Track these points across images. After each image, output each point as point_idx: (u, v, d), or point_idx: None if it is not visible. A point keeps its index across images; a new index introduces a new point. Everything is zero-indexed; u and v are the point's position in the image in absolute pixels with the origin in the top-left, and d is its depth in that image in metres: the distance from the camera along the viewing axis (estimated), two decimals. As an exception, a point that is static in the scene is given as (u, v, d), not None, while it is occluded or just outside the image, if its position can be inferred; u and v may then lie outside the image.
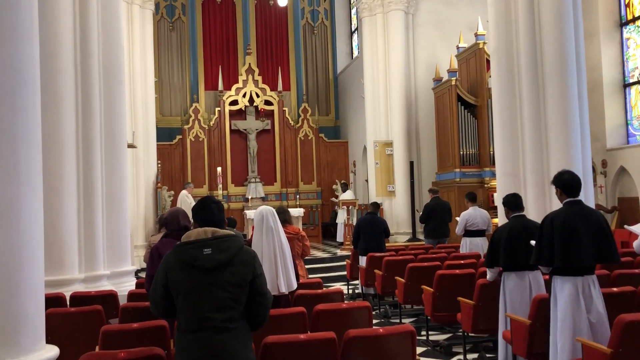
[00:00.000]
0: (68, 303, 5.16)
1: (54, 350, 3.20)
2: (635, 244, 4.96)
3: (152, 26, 13.71)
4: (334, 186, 16.96)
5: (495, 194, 10.26)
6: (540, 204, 7.44)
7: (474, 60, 12.63)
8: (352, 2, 18.63)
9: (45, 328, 3.23)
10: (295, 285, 4.75)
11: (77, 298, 5.19)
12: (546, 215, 4.38)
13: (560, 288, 4.20)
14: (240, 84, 17.04)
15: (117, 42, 6.70)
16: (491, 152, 11.71)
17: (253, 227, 4.84)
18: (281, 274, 4.57)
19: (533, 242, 4.66)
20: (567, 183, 4.34)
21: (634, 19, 10.98)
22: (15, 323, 2.94)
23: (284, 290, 4.55)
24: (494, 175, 10.66)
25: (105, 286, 6.11)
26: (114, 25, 6.67)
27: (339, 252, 12.96)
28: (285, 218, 6.02)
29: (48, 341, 3.26)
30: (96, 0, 6.39)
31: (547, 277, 4.56)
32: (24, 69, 3.11)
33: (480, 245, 8.39)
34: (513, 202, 5.29)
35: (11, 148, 3.01)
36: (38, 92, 3.26)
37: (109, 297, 5.29)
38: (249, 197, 16.40)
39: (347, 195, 14.84)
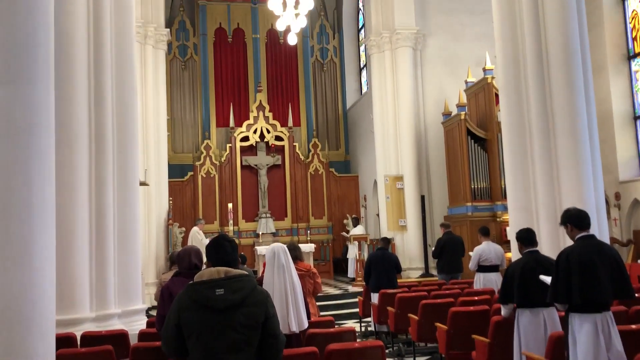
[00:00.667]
0: (79, 343, 5.13)
1: (64, 393, 3.17)
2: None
3: (164, 66, 13.99)
4: (345, 221, 16.91)
5: (508, 228, 10.17)
6: (554, 239, 7.36)
7: (482, 94, 12.70)
8: (360, 40, 18.92)
9: (56, 370, 3.21)
10: (306, 324, 4.69)
11: (88, 338, 5.16)
12: (561, 251, 4.32)
13: (579, 326, 4.11)
14: (251, 121, 17.23)
15: (131, 82, 6.83)
16: (503, 186, 11.66)
17: (264, 264, 4.82)
18: (292, 312, 4.52)
19: (543, 277, 4.59)
20: (574, 217, 4.31)
21: (642, 52, 11.04)
22: (26, 365, 2.93)
23: (294, 329, 4.49)
24: (506, 209, 10.58)
25: (116, 325, 6.08)
26: (128, 66, 6.81)
27: (351, 289, 12.83)
28: (296, 254, 5.99)
29: (58, 383, 3.24)
30: (110, 41, 6.55)
31: (562, 313, 4.47)
32: (40, 112, 3.17)
33: (494, 281, 8.27)
34: (526, 238, 5.23)
35: (26, 188, 3.05)
36: (52, 133, 3.31)
37: (120, 337, 5.25)
38: (260, 233, 16.38)
39: (358, 230, 14.77)
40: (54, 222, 3.27)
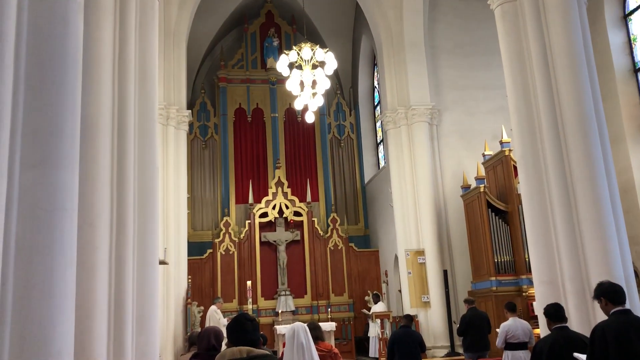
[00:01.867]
0: None
1: None
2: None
3: (186, 145, 14.36)
4: (366, 297, 16.56)
5: (534, 303, 9.86)
6: (583, 313, 7.10)
7: (500, 167, 12.72)
8: (376, 116, 19.31)
9: None
10: (328, 408, 4.51)
11: None
12: (596, 326, 4.17)
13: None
14: (270, 197, 17.36)
15: (153, 163, 6.97)
16: (527, 259, 11.42)
17: (284, 344, 4.70)
18: (313, 395, 4.36)
19: (577, 355, 4.40)
20: (608, 290, 4.19)
21: (659, 122, 11.06)
22: None
23: (315, 413, 4.32)
24: (531, 283, 10.30)
25: (133, 411, 5.89)
26: (150, 147, 6.98)
27: (374, 369, 12.38)
28: (317, 334, 5.84)
29: None
30: (133, 124, 6.75)
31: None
32: (64, 195, 3.24)
33: (523, 359, 7.93)
34: (554, 313, 5.06)
35: (48, 271, 3.06)
36: (75, 217, 3.36)
37: (136, 423, 5.07)
38: (279, 311, 16.07)
39: (380, 307, 14.43)
40: (73, 306, 3.25)
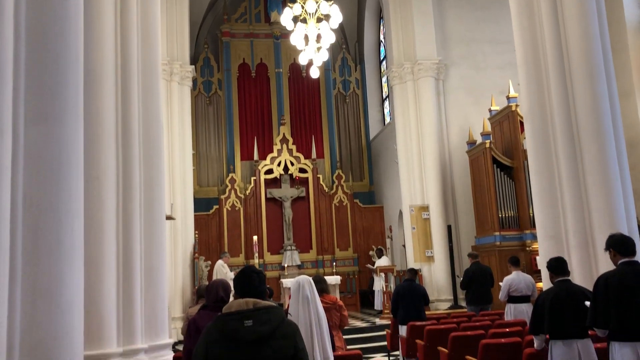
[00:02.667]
0: (106, 379, 5.12)
1: None
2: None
3: (190, 101, 14.26)
4: (371, 252, 16.76)
5: (538, 257, 9.96)
6: (586, 267, 7.17)
7: (507, 122, 12.63)
8: (382, 71, 19.08)
9: (83, 406, 3.20)
10: (332, 357, 4.61)
11: (115, 373, 5.15)
12: (600, 275, 4.25)
13: (620, 355, 3.98)
14: (275, 153, 17.37)
15: (157, 118, 6.96)
16: (531, 214, 11.46)
17: (289, 297, 4.78)
18: (317, 346, 4.46)
19: (588, 303, 4.48)
20: (618, 241, 4.25)
21: (669, 76, 10.88)
22: (54, 401, 2.93)
23: (318, 361, 4.43)
24: (535, 238, 10.38)
25: (143, 360, 6.06)
26: (154, 103, 6.95)
27: (378, 321, 12.63)
28: (322, 287, 5.94)
29: (85, 420, 3.22)
30: (137, 79, 6.70)
31: (604, 345, 4.34)
32: (69, 150, 3.25)
33: (525, 312, 8.06)
34: (557, 267, 5.11)
35: (55, 226, 3.10)
36: (81, 172, 3.38)
37: (147, 372, 5.23)
38: (285, 265, 16.32)
39: (383, 262, 14.61)
40: (82, 259, 3.30)
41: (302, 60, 10.49)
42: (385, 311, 12.65)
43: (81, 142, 3.40)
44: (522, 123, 11.33)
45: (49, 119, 3.21)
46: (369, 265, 16.04)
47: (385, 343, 9.96)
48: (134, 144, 6.54)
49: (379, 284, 14.39)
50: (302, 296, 4.58)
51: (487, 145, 12.41)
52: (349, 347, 7.84)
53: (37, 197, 3.08)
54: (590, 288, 4.47)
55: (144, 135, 6.75)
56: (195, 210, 14.50)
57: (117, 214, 6.23)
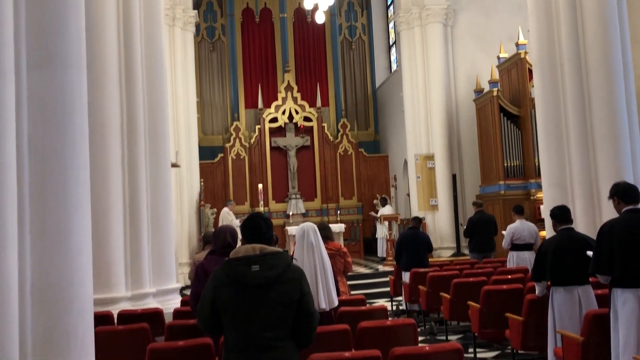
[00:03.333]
0: (116, 321, 5.26)
1: (103, 369, 3.26)
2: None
3: (193, 47, 14.04)
4: (375, 201, 16.85)
5: (542, 207, 10.00)
6: (589, 216, 7.20)
7: (515, 70, 12.42)
8: (389, 17, 18.65)
9: (94, 346, 3.30)
10: (336, 302, 4.71)
11: (125, 316, 5.29)
12: (605, 222, 4.27)
13: (622, 301, 4.04)
14: (279, 102, 17.23)
15: (160, 64, 6.88)
16: (536, 164, 11.43)
17: (294, 244, 4.84)
18: (322, 291, 4.54)
19: (590, 253, 4.52)
20: (622, 189, 4.24)
21: (684, 22, 10.59)
22: (66, 341, 3.01)
23: (324, 306, 4.52)
24: (539, 187, 10.39)
25: (151, 304, 6.21)
26: (157, 49, 6.86)
27: (381, 268, 12.84)
28: (326, 234, 6.01)
29: (97, 359, 3.32)
30: (139, 24, 6.59)
31: (605, 291, 4.40)
32: (73, 95, 3.22)
33: (527, 260, 8.16)
34: (560, 215, 5.13)
35: (61, 171, 3.11)
36: (86, 118, 3.36)
37: (155, 315, 5.36)
38: (290, 214, 16.46)
39: (387, 210, 14.72)
40: (89, 204, 3.33)
41: (307, 4, 10.24)
42: (389, 258, 12.84)
43: (84, 88, 3.37)
44: (530, 71, 11.14)
45: (50, 64, 3.17)
46: (372, 213, 16.18)
47: (388, 289, 10.15)
48: (137, 90, 6.50)
49: (381, 231, 14.57)
50: (307, 243, 4.64)
51: (495, 93, 12.26)
52: (352, 292, 7.99)
53: (42, 143, 3.08)
54: (594, 237, 4.50)
55: (148, 81, 6.69)
56: (200, 158, 14.52)
57: (123, 160, 6.25)
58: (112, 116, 6.09)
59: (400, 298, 9.51)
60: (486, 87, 12.91)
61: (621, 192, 4.23)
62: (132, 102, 6.37)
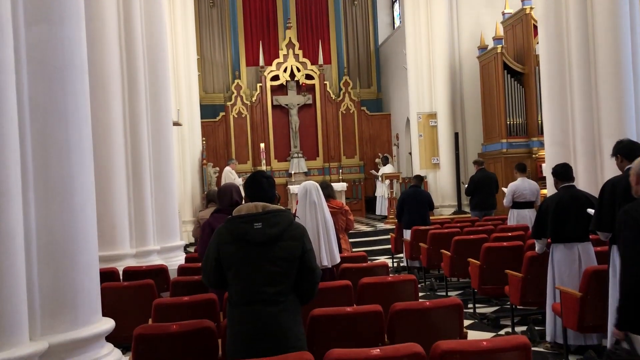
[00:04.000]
0: (121, 277, 5.35)
1: (110, 323, 3.33)
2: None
3: (192, 4, 13.79)
4: (377, 160, 16.86)
5: (544, 165, 10.00)
6: (591, 174, 7.21)
7: (520, 26, 12.21)
8: (392, -29, 18.23)
9: (101, 301, 3.36)
10: (338, 259, 4.77)
11: (130, 272, 5.37)
12: (607, 180, 4.26)
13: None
14: (281, 59, 17.02)
15: (160, 21, 6.78)
16: (539, 122, 11.36)
17: (297, 202, 4.87)
18: (324, 248, 4.60)
19: (591, 211, 4.54)
20: (626, 147, 4.22)
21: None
22: (73, 297, 3.07)
23: (326, 263, 4.59)
24: (542, 146, 10.36)
25: (156, 261, 6.30)
26: (156, 6, 6.74)
27: (382, 226, 12.94)
28: (328, 193, 6.04)
29: (104, 314, 3.39)
30: (138, -21, 6.46)
31: (606, 248, 4.43)
32: (73, 51, 3.18)
33: (528, 217, 8.21)
34: (562, 173, 5.13)
35: (63, 128, 3.10)
36: (86, 73, 3.33)
37: (160, 272, 5.45)
38: (292, 172, 16.51)
39: (388, 169, 14.74)
40: (91, 161, 3.33)
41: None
42: (390, 216, 12.93)
43: (84, 43, 3.33)
44: (536, 27, 10.95)
45: (49, 20, 3.12)
46: (373, 171, 16.21)
47: (389, 246, 10.26)
48: (137, 47, 6.42)
49: (381, 190, 14.63)
50: (309, 201, 4.66)
51: (499, 50, 12.08)
52: (354, 250, 8.09)
53: (42, 100, 3.06)
54: (596, 195, 4.50)
55: (147, 37, 6.61)
56: (202, 117, 14.46)
57: (124, 118, 6.23)
58: (112, 74, 6.03)
59: (401, 255, 9.63)
60: (490, 44, 12.72)
61: (625, 150, 4.21)
62: (132, 60, 6.30)
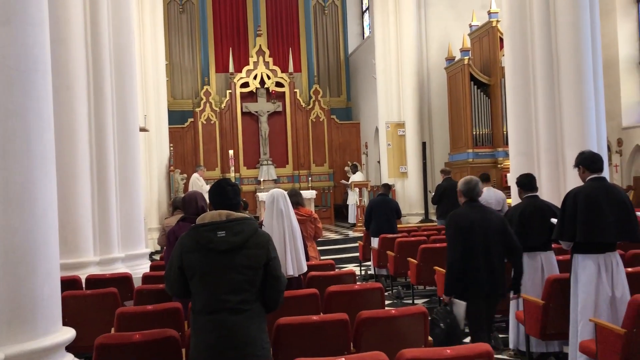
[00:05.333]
0: (84, 286, 5.23)
1: (71, 333, 3.25)
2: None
3: (162, 9, 13.66)
4: (346, 168, 16.94)
5: (509, 174, 10.18)
6: (554, 184, 7.37)
7: (487, 38, 12.46)
8: (363, -19, 18.41)
9: (62, 310, 3.28)
10: (305, 268, 4.76)
11: (93, 281, 5.26)
12: (570, 190, 4.36)
13: (582, 266, 4.18)
14: (251, 66, 16.98)
15: (127, 25, 6.69)
16: (504, 132, 11.60)
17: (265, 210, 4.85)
18: (289, 257, 4.58)
19: (554, 221, 4.64)
20: (587, 158, 4.33)
21: (652, -6, 10.74)
22: (32, 306, 2.99)
23: (292, 273, 4.56)
24: (507, 156, 10.56)
25: (120, 269, 6.18)
26: (124, 9, 6.66)
27: (351, 234, 12.98)
28: (297, 200, 6.03)
29: (64, 323, 3.31)
30: (105, -17, 6.37)
31: (568, 257, 4.53)
32: (36, 54, 3.11)
33: (493, 226, 8.31)
34: (526, 183, 5.25)
35: (25, 132, 3.03)
36: (49, 77, 3.26)
37: (124, 280, 5.35)
38: (261, 180, 16.44)
39: (358, 177, 14.81)
40: (54, 167, 3.26)
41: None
42: (358, 224, 12.98)
43: (47, 46, 3.26)
44: (502, 40, 11.19)
45: (12, 21, 3.05)
46: (344, 181, 16.28)
47: (357, 254, 10.29)
48: (104, 50, 6.31)
49: (352, 198, 14.68)
50: (276, 209, 4.65)
51: (466, 61, 12.31)
52: (322, 257, 8.08)
53: (4, 103, 2.98)
54: (559, 204, 4.60)
55: (115, 42, 6.50)
56: (170, 123, 14.30)
57: (90, 123, 6.11)
58: (77, 78, 5.92)
59: (369, 263, 9.66)
60: (458, 56, 12.95)
61: (587, 161, 4.32)
62: (99, 63, 6.20)
